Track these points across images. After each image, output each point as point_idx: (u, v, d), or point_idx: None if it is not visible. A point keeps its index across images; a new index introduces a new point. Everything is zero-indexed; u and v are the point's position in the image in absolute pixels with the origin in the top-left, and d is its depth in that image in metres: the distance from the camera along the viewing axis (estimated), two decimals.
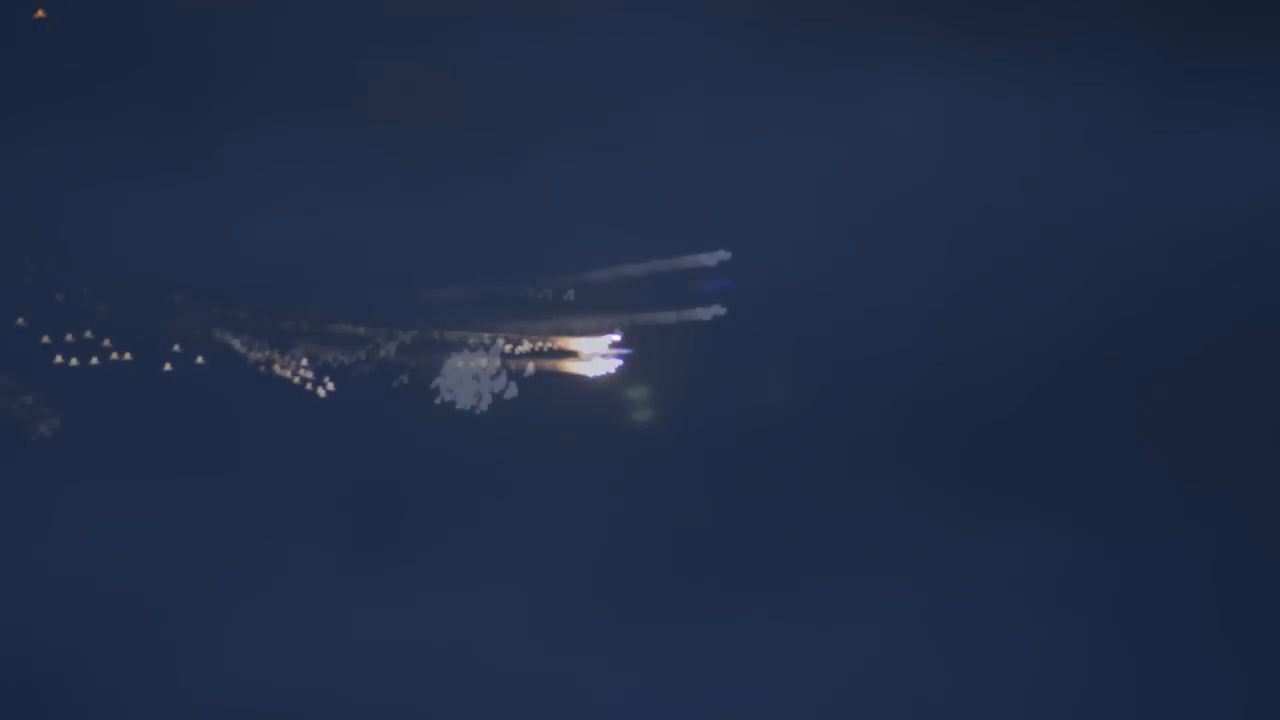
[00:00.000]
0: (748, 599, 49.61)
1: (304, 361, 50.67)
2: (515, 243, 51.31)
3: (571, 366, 51.11)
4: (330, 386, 50.70)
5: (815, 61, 52.45)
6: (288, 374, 50.66)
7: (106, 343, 50.53)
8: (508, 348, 51.04)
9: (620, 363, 51.08)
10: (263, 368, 50.64)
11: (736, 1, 52.93)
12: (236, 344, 50.74)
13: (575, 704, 48.41)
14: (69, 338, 50.58)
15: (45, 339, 50.62)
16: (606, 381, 51.01)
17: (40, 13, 52.09)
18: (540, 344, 51.15)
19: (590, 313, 51.18)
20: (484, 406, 50.65)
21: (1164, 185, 51.91)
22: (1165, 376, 50.81)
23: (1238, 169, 51.62)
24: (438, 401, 50.69)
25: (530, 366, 51.00)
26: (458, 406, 50.66)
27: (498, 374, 50.85)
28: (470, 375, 50.80)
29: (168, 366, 50.39)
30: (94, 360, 50.46)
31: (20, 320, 50.68)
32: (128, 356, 50.38)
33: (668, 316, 51.28)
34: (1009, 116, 52.38)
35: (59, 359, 50.53)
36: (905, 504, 50.29)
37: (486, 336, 51.10)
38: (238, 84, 52.46)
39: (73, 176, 51.74)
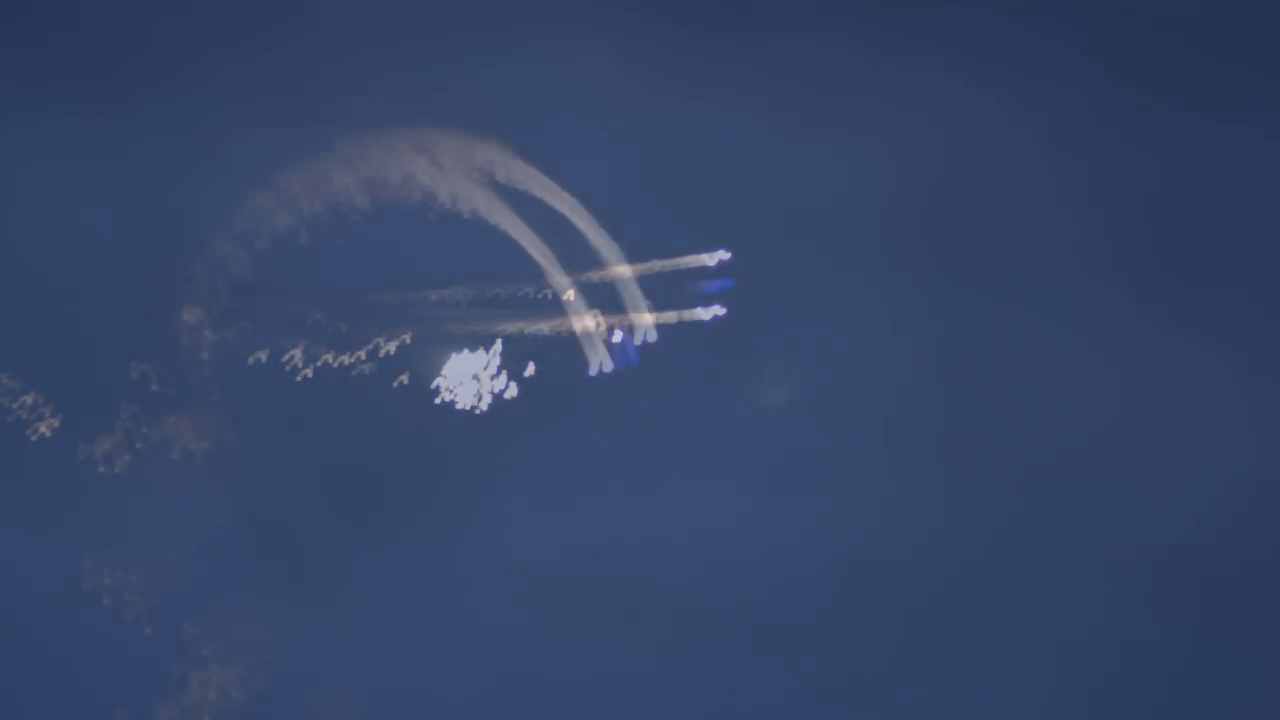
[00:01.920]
0: (747, 598, 49.68)
1: (303, 361, 50.66)
2: (515, 242, 51.28)
3: (573, 366, 51.12)
4: (331, 386, 50.73)
5: (823, 66, 52.48)
6: (288, 372, 50.65)
7: (107, 341, 50.50)
8: (508, 348, 51.08)
9: (621, 363, 51.09)
10: (262, 365, 50.65)
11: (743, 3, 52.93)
12: (237, 343, 50.71)
13: (572, 708, 48.51)
14: (68, 336, 50.56)
15: (45, 337, 50.63)
16: (607, 381, 51.03)
17: None
18: (541, 342, 51.19)
19: (590, 312, 51.17)
20: (484, 406, 50.66)
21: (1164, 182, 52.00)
22: None
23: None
24: (438, 401, 50.70)
25: (530, 366, 50.98)
26: (457, 406, 50.66)
27: (498, 374, 50.85)
28: (470, 375, 50.80)
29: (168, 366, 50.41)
30: (94, 359, 50.43)
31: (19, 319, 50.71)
32: (127, 355, 50.34)
33: (668, 316, 51.29)
34: (1010, 124, 52.40)
35: (59, 358, 50.52)
36: (907, 505, 50.42)
37: (486, 337, 51.11)
38: (240, 82, 52.39)
39: (71, 173, 51.69)
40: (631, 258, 51.25)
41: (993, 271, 51.23)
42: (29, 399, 49.93)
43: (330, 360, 50.79)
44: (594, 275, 51.28)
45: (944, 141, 51.93)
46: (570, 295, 51.19)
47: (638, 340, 51.13)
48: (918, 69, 52.16)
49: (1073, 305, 50.75)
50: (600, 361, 51.05)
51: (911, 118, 52.01)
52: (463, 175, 51.32)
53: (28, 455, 49.51)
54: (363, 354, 50.88)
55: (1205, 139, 51.48)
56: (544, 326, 51.22)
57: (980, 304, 51.12)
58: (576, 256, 51.24)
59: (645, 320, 51.22)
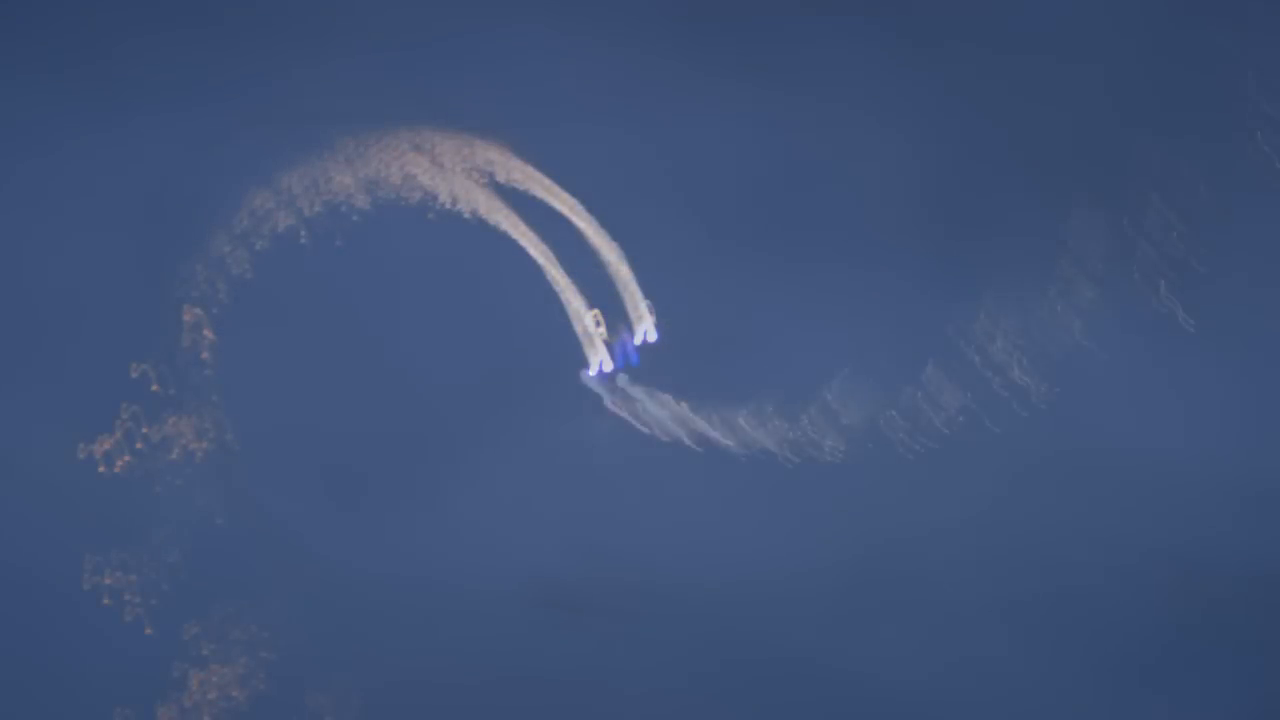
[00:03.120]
0: (742, 596, 49.70)
1: (302, 362, 50.71)
2: (515, 242, 51.31)
3: (572, 365, 51.14)
4: (331, 386, 50.78)
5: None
6: (288, 372, 50.70)
7: (107, 341, 50.54)
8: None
9: (621, 363, 51.11)
10: (262, 365, 50.68)
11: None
12: (237, 343, 50.72)
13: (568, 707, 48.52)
14: (68, 336, 50.62)
15: (45, 337, 50.68)
16: (606, 381, 51.06)
17: None
18: (542, 342, 51.19)
19: (590, 312, 51.21)
20: (484, 406, 50.67)
21: None
22: None
23: None
24: (437, 402, 50.70)
25: (533, 364, 51.00)
26: (458, 407, 50.69)
27: (499, 374, 50.87)
28: (471, 376, 50.83)
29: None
30: (94, 359, 50.46)
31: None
32: (127, 355, 50.36)
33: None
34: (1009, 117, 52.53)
35: (59, 358, 50.56)
36: (906, 506, 50.42)
37: (488, 337, 51.12)
38: (240, 82, 52.41)
39: (72, 173, 51.72)
40: (631, 258, 51.26)
41: (997, 268, 51.27)
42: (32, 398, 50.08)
43: (330, 361, 50.81)
44: (594, 275, 51.29)
45: (945, 138, 52.08)
46: (573, 298, 51.19)
47: (638, 340, 51.13)
48: (916, 66, 52.31)
49: (1076, 301, 50.77)
50: (600, 361, 51.05)
51: (910, 116, 52.11)
52: (463, 175, 51.34)
53: (28, 455, 49.54)
54: (362, 354, 50.90)
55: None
56: (544, 326, 51.21)
57: (983, 301, 51.17)
58: (576, 256, 51.25)
59: (645, 320, 51.23)
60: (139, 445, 49.65)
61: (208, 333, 50.33)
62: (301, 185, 50.90)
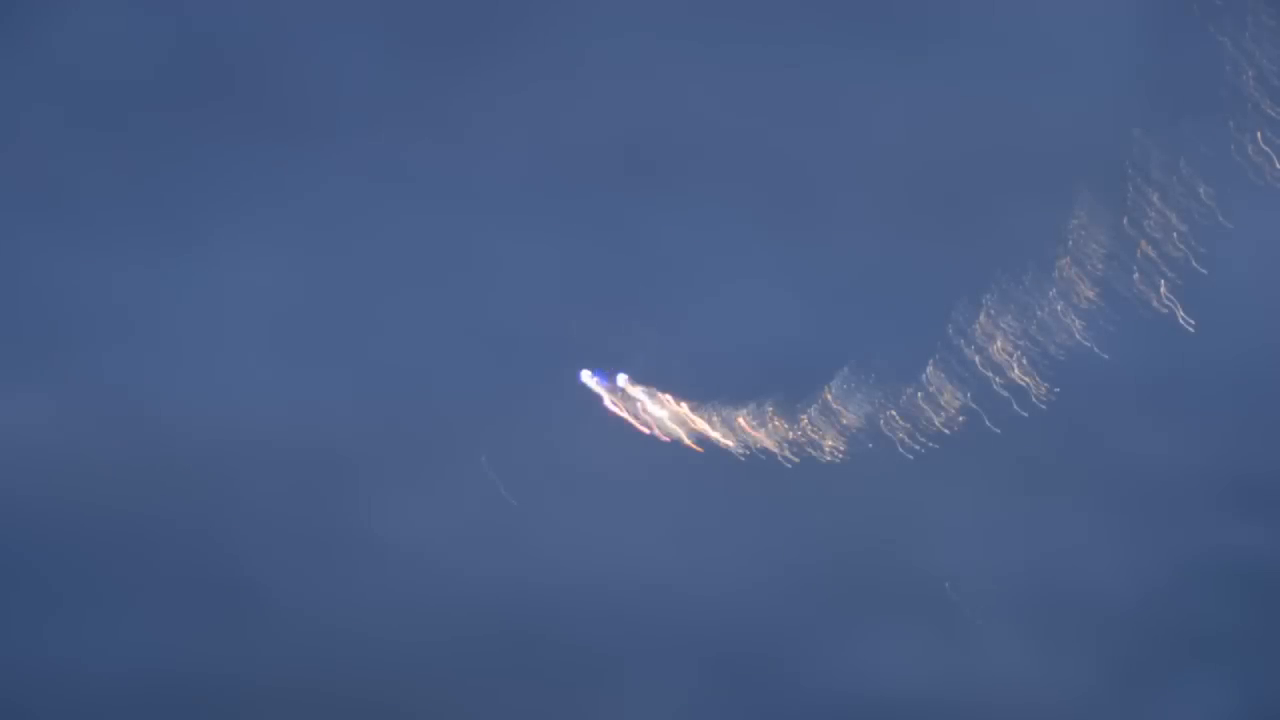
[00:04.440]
0: (745, 604, 49.73)
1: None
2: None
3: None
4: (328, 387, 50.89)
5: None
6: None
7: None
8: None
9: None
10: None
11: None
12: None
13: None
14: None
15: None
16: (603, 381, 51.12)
17: None
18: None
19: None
20: (483, 407, 50.74)
21: None
22: None
23: None
24: (435, 402, 50.71)
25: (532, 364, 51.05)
26: (455, 407, 50.72)
27: (498, 373, 50.91)
28: (469, 376, 50.87)
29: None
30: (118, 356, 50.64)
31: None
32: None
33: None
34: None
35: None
36: (903, 512, 50.44)
37: (488, 337, 51.21)
38: (240, 82, 52.50)
39: (74, 173, 51.84)
40: (633, 258, 51.31)
41: (997, 268, 51.27)
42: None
43: (329, 361, 50.91)
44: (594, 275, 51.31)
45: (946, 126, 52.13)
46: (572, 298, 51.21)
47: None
48: (915, 66, 52.30)
49: (1076, 301, 50.75)
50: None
51: (909, 115, 52.11)
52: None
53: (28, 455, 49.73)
54: (361, 354, 51.01)
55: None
56: (544, 326, 51.22)
57: (983, 301, 51.13)
58: (578, 256, 51.30)
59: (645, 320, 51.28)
60: None
61: None
62: (302, 185, 51.00)
